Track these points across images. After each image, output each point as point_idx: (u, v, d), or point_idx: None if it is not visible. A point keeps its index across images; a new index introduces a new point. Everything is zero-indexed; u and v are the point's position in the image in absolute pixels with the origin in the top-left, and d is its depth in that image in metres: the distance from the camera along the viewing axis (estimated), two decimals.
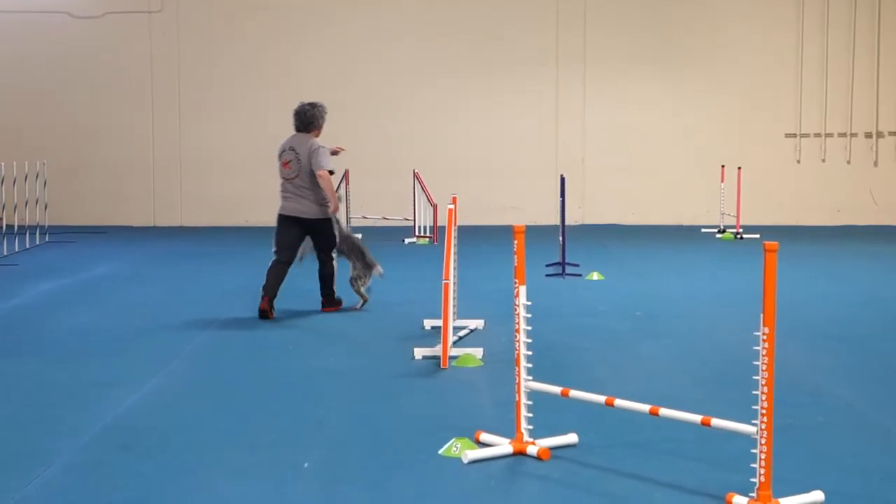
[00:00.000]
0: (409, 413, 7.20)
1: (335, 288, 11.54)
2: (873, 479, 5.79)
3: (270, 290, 11.12)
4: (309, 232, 11.34)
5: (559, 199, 14.50)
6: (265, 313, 10.95)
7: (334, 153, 11.51)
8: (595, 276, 13.98)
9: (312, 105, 11.45)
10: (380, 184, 21.92)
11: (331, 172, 11.17)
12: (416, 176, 18.88)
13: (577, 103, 22.44)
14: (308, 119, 11.36)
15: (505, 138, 22.45)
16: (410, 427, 6.83)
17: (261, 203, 22.41)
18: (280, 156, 11.43)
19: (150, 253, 17.38)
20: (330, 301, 11.53)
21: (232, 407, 7.38)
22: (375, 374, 8.43)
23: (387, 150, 22.31)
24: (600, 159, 22.48)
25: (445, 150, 22.36)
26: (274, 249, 11.44)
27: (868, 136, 22.67)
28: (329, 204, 11.21)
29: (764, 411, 5.14)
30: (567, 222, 15.09)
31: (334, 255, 11.49)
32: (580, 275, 14.07)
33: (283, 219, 11.39)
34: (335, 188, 11.47)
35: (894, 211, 22.58)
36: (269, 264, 11.32)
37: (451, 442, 6.26)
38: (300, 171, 11.20)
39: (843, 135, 22.58)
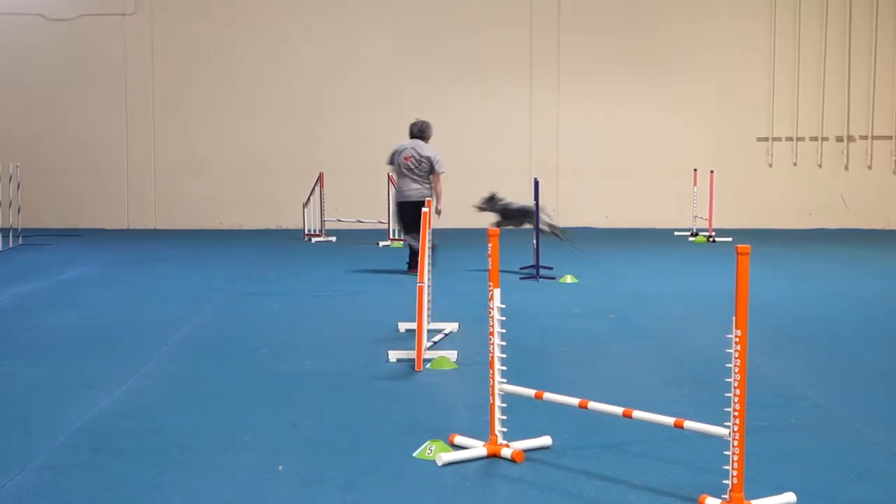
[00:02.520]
0: (383, 415, 7.20)
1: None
2: (844, 480, 5.83)
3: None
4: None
5: (533, 201, 14.52)
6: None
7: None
8: (569, 278, 14.01)
9: (425, 121, 14.89)
10: (354, 186, 21.92)
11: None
12: (390, 178, 18.86)
13: (550, 105, 22.49)
14: (422, 128, 14.74)
15: (479, 140, 22.47)
16: (385, 429, 6.83)
17: (236, 206, 22.41)
18: (401, 153, 14.58)
19: (125, 256, 17.32)
20: (414, 266, 13.79)
21: (206, 409, 7.36)
22: (350, 376, 8.42)
23: (361, 151, 22.29)
24: (574, 162, 22.53)
25: None
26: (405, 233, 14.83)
27: (839, 139, 22.80)
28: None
29: (736, 413, 5.16)
30: (540, 225, 15.10)
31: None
32: (554, 277, 14.10)
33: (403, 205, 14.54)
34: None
35: (865, 214, 22.72)
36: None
37: (425, 444, 6.26)
38: (419, 166, 14.46)
39: (814, 139, 22.70)
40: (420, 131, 14.68)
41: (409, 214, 14.17)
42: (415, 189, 14.45)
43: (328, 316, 11.41)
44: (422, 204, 12.04)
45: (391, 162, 14.85)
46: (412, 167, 14.47)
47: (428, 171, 14.50)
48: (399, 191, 14.71)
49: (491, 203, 15.97)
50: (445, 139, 22.37)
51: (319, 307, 11.96)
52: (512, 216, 15.68)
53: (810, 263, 16.44)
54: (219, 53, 22.37)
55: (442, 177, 14.60)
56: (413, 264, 14.17)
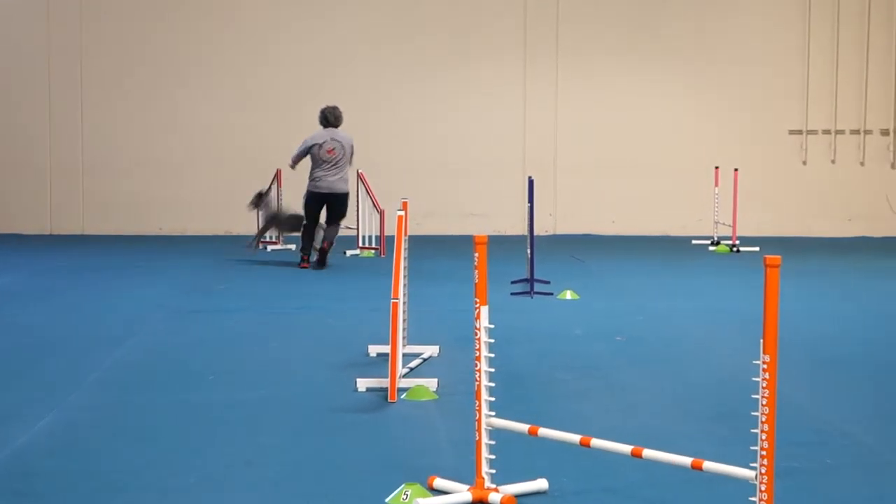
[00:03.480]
0: (351, 454, 7.19)
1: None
2: None
3: (306, 250, 16.83)
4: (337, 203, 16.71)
5: (527, 204, 14.54)
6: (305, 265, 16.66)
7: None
8: (568, 294, 14.03)
9: (336, 107, 17.02)
10: None
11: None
12: (360, 177, 18.87)
13: (548, 98, 22.53)
14: (339, 116, 16.87)
15: (465, 136, 22.49)
16: (353, 471, 6.83)
17: (178, 209, 22.38)
18: (322, 145, 16.58)
19: (47, 265, 17.28)
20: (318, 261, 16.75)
21: (144, 445, 7.35)
22: (312, 408, 8.41)
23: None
24: (575, 160, 22.57)
25: (395, 148, 22.38)
26: (305, 222, 16.92)
27: (885, 133, 22.88)
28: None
29: (764, 452, 5.17)
30: (536, 232, 15.13)
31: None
32: (551, 293, 14.11)
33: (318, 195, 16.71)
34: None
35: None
36: (302, 230, 16.89)
37: (400, 489, 6.26)
38: (343, 157, 16.68)
39: (855, 132, 22.78)
40: (337, 119, 16.77)
41: (333, 205, 16.71)
42: (342, 180, 16.70)
43: (287, 337, 11.40)
44: (347, 196, 16.66)
45: (304, 155, 16.82)
46: (337, 159, 16.63)
47: (349, 159, 16.78)
48: (320, 182, 16.66)
49: (258, 201, 18.28)
50: (426, 135, 22.43)
51: (276, 326, 11.94)
52: (282, 222, 18.13)
53: (851, 277, 16.49)
54: (155, 41, 22.34)
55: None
56: (320, 259, 16.74)
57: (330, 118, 16.78)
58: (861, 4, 22.66)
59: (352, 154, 16.85)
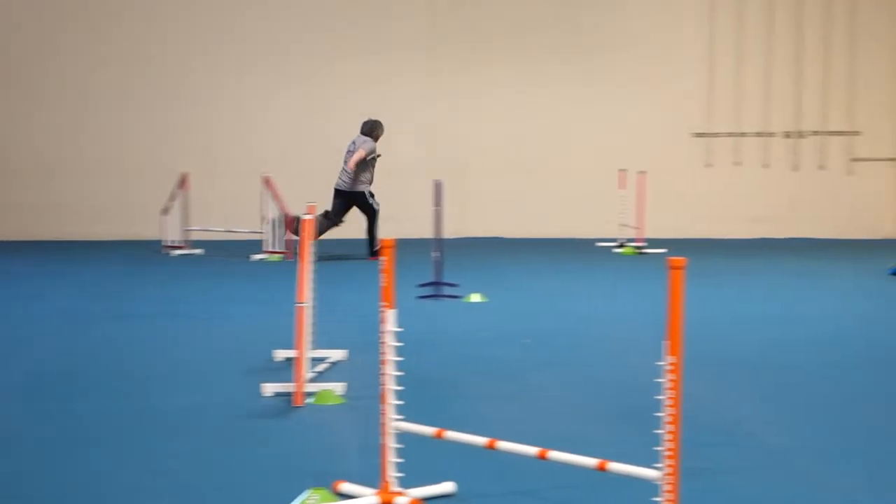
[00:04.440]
0: (256, 460, 7.14)
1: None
2: None
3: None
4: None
5: (434, 207, 14.54)
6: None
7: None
8: (476, 297, 14.04)
9: (369, 120, 18.76)
10: (223, 190, 21.80)
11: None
12: (266, 181, 18.77)
13: (455, 98, 22.56)
14: (366, 123, 18.69)
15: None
16: (258, 476, 6.78)
17: (82, 213, 22.14)
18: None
19: None
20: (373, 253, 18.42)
21: (45, 457, 7.24)
22: (216, 413, 8.34)
23: (232, 150, 22.17)
24: (483, 162, 22.62)
25: (301, 150, 22.31)
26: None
27: (787, 135, 23.16)
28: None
29: (669, 453, 5.19)
30: (444, 235, 15.13)
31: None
32: (459, 296, 14.12)
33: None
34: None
35: (817, 221, 23.09)
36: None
37: (305, 493, 6.22)
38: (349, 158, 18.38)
39: (759, 134, 23.03)
40: (368, 130, 18.61)
41: (335, 200, 18.44)
42: (342, 179, 18.45)
43: (192, 343, 11.31)
44: (342, 193, 18.37)
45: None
46: (345, 159, 18.45)
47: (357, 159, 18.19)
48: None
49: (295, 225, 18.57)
50: (331, 137, 22.36)
51: (181, 332, 11.84)
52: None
53: (756, 278, 16.66)
54: (63, 42, 22.10)
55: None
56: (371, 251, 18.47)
57: (362, 126, 18.68)
58: (765, 9, 22.91)
59: (365, 146, 18.27)
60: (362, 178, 18.44)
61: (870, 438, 7.70)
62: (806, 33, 23.07)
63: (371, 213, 18.62)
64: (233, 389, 9.14)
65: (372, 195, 18.60)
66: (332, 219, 18.55)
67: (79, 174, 22.17)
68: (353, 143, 18.49)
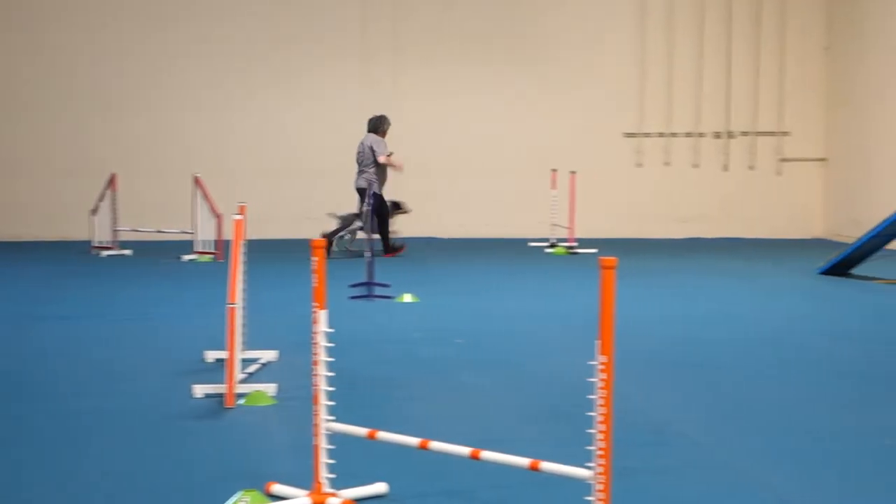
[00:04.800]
0: (187, 461, 7.10)
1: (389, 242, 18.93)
2: None
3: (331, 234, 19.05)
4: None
5: (365, 207, 14.52)
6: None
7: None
8: (408, 297, 14.04)
9: (375, 116, 19.17)
10: (153, 190, 21.67)
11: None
12: (196, 181, 18.67)
13: (387, 100, 22.54)
14: (371, 121, 19.12)
15: (303, 138, 22.44)
16: (189, 478, 6.74)
17: (7, 214, 21.94)
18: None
19: None
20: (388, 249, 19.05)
21: None
22: (147, 415, 8.29)
23: (162, 150, 22.05)
24: (415, 163, 22.59)
25: (231, 150, 22.23)
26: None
27: (717, 136, 23.34)
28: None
29: (600, 452, 5.21)
30: (375, 235, 15.11)
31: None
32: (391, 296, 14.11)
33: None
34: None
35: (748, 221, 23.28)
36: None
37: (237, 495, 6.20)
38: (362, 158, 18.83)
39: (690, 135, 23.18)
40: (374, 127, 19.02)
41: (361, 200, 18.67)
42: (360, 179, 18.72)
43: (120, 344, 11.23)
44: (363, 191, 18.40)
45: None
46: (359, 160, 18.86)
47: (371, 160, 18.63)
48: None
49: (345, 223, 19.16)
50: (263, 137, 22.31)
51: (110, 333, 11.76)
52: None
53: (686, 278, 16.77)
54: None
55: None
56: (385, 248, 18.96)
57: (368, 124, 19.16)
58: (695, 11, 23.07)
59: (372, 154, 18.67)
60: (374, 177, 18.76)
61: (799, 438, 7.77)
62: (735, 35, 23.25)
63: (384, 213, 18.93)
64: (163, 391, 9.09)
65: (382, 196, 18.92)
66: (361, 217, 18.87)
67: (6, 174, 21.96)
68: (363, 143, 18.89)
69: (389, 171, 19.18)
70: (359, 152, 18.93)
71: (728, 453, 7.36)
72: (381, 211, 18.81)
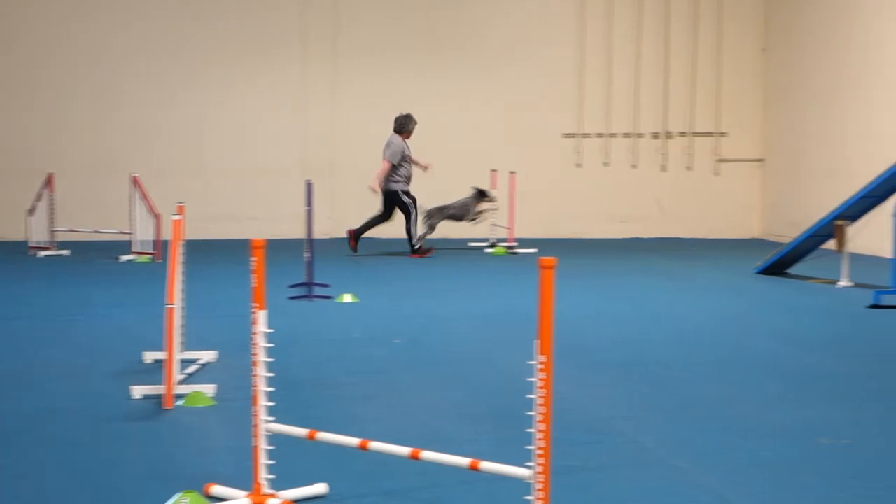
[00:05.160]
0: (126, 463, 7.07)
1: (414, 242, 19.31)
2: None
3: (358, 231, 19.41)
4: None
5: (305, 207, 14.50)
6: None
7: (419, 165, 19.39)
8: (347, 297, 14.03)
9: (400, 115, 19.32)
10: (91, 190, 21.55)
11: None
12: (134, 181, 18.57)
13: (326, 100, 22.52)
14: (396, 119, 19.26)
15: (241, 137, 22.35)
16: (128, 480, 6.71)
17: None
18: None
19: None
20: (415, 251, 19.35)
21: None
22: (86, 417, 8.24)
23: (99, 149, 21.90)
24: (354, 162, 22.59)
25: (169, 148, 22.12)
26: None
27: (655, 136, 23.46)
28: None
29: (540, 451, 5.23)
30: (315, 235, 15.09)
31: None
32: (330, 297, 14.10)
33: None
34: None
35: (685, 222, 23.41)
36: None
37: (176, 497, 6.17)
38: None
39: (628, 135, 23.29)
40: (398, 127, 19.19)
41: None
42: (385, 180, 18.98)
43: (58, 345, 11.15)
44: (388, 193, 18.96)
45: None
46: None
47: (385, 158, 18.93)
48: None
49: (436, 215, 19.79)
50: (201, 136, 22.20)
51: (47, 334, 11.69)
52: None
53: (625, 277, 16.84)
54: None
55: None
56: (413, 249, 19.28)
57: (394, 123, 19.33)
58: (633, 11, 23.19)
59: (383, 154, 19.03)
60: (395, 177, 19.00)
61: (736, 436, 7.84)
62: (673, 36, 23.39)
63: (406, 211, 19.12)
64: (101, 392, 9.04)
65: (406, 193, 19.09)
66: (380, 216, 19.33)
67: None
68: (386, 142, 19.16)
69: (414, 169, 19.37)
70: (383, 151, 19.18)
71: (666, 451, 7.41)
72: (404, 209, 19.10)
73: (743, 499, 6.44)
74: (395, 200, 19.11)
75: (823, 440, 7.66)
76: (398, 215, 19.36)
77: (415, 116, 19.41)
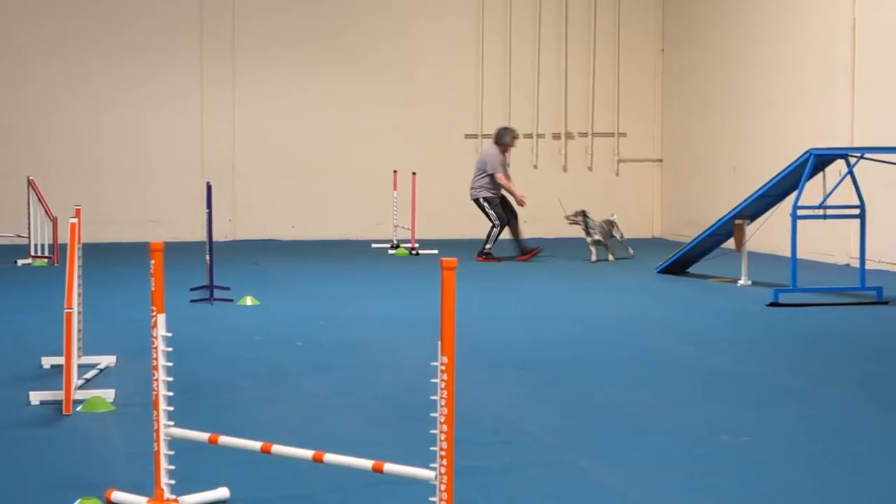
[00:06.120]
0: (23, 470, 6.98)
1: (488, 247, 19.19)
2: None
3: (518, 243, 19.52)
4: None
5: (205, 210, 14.41)
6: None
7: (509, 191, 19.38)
8: (249, 300, 13.96)
9: (500, 127, 19.84)
10: None
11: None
12: (30, 183, 18.33)
13: (225, 101, 22.40)
14: (496, 133, 19.61)
15: (140, 137, 22.18)
16: (27, 487, 6.63)
17: None
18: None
19: None
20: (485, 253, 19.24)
21: None
22: None
23: None
24: (254, 164, 22.51)
25: (66, 150, 21.89)
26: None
27: (556, 137, 23.59)
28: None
29: (443, 453, 5.23)
30: (215, 238, 15.01)
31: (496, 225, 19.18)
32: (231, 300, 14.02)
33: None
34: None
35: None
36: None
37: (76, 503, 6.11)
38: (477, 168, 19.39)
39: (528, 136, 23.40)
40: (495, 138, 19.51)
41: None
42: (472, 188, 19.34)
43: None
44: (475, 201, 19.29)
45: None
46: (476, 170, 19.36)
47: (483, 171, 19.15)
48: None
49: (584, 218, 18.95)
50: (99, 136, 21.98)
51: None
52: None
53: (527, 278, 16.92)
54: None
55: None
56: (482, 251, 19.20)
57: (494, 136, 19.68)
58: (532, 13, 23.31)
59: (484, 165, 19.12)
60: (478, 185, 19.20)
61: (639, 435, 7.89)
62: (571, 38, 23.53)
63: (489, 217, 19.14)
64: None
65: (488, 201, 19.12)
66: (509, 221, 19.30)
67: None
68: (483, 154, 19.66)
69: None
70: (476, 161, 19.54)
71: (571, 451, 7.44)
72: (487, 215, 19.15)
73: (647, 498, 6.48)
74: (479, 206, 19.28)
75: (725, 438, 7.74)
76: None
77: (514, 130, 19.67)
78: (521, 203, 19.29)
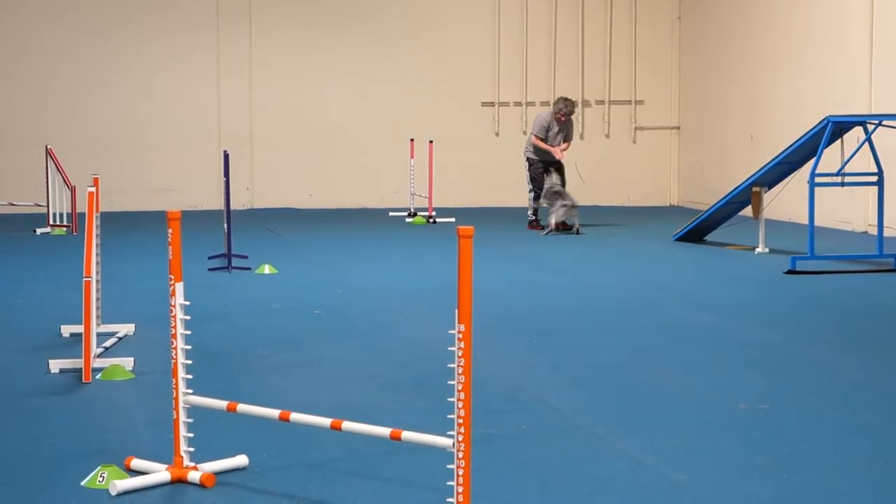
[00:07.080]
0: (44, 438, 7.01)
1: (532, 215, 19.45)
2: (584, 492, 6.02)
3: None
4: None
5: (223, 179, 14.42)
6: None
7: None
8: (267, 269, 13.98)
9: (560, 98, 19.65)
10: (4, 162, 21.28)
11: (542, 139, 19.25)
12: (49, 153, 18.38)
13: (243, 70, 22.39)
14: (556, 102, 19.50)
15: (157, 107, 22.18)
16: (46, 455, 6.66)
17: None
18: None
19: None
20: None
21: None
22: (1, 392, 8.17)
23: (11, 119, 21.65)
24: (271, 133, 22.52)
25: (84, 120, 21.91)
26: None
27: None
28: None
29: (460, 420, 5.24)
30: (233, 206, 15.03)
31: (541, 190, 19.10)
32: (249, 268, 14.04)
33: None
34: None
35: (602, 189, 23.51)
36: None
37: (96, 471, 6.14)
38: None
39: (545, 103, 23.35)
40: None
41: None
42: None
43: None
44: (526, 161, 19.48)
45: None
46: None
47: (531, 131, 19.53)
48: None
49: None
50: (115, 106, 21.99)
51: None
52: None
53: (543, 247, 16.92)
54: None
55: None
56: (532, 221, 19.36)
57: None
58: None
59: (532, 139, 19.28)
60: (525, 146, 19.50)
61: (655, 403, 7.91)
62: (589, 7, 23.44)
63: (527, 181, 19.40)
64: (17, 366, 8.96)
65: (529, 161, 19.33)
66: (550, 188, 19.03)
67: None
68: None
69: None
70: None
71: (585, 418, 7.46)
72: (534, 177, 19.25)
73: (661, 464, 6.50)
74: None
75: (742, 405, 7.75)
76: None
77: (570, 100, 19.37)
78: (557, 157, 19.23)
